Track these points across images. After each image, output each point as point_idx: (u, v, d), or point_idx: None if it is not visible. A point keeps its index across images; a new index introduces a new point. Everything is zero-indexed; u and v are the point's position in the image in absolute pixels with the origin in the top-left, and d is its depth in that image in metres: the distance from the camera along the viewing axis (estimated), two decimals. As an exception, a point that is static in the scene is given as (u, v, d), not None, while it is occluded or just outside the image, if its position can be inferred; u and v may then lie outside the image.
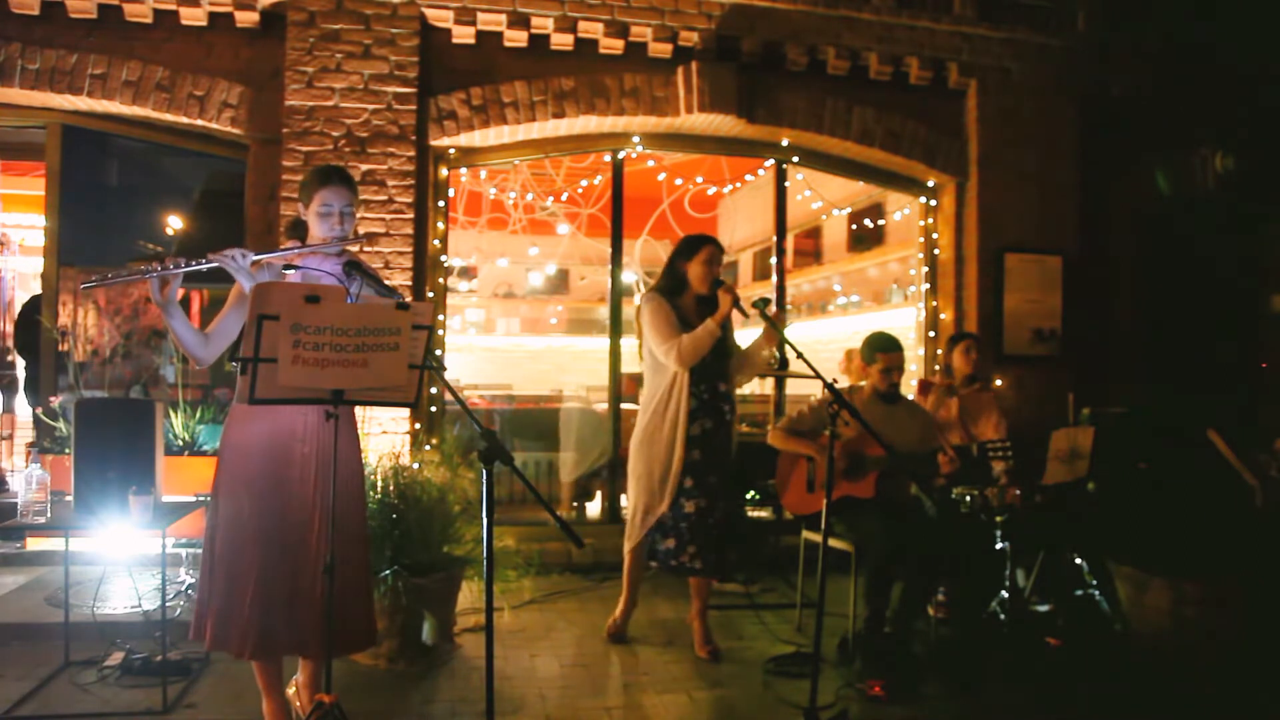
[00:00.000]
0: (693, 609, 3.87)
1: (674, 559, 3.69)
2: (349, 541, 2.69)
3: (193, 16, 4.76)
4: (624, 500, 5.17)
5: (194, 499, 3.73)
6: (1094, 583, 4.21)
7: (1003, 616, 3.96)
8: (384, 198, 4.84)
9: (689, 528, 3.67)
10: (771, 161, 5.90)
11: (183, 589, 4.09)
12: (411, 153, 4.87)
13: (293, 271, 2.70)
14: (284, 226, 2.83)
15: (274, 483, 2.60)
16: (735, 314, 3.68)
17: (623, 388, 5.59)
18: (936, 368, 5.77)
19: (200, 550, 2.74)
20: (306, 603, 2.56)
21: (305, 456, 2.62)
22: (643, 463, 3.71)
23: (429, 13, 4.92)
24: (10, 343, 5.87)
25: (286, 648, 2.66)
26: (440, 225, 5.19)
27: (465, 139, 5.11)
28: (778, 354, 4.97)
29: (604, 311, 6.67)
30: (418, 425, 4.84)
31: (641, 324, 3.73)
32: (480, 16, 4.96)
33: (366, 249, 4.79)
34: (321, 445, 2.62)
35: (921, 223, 6.06)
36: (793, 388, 6.09)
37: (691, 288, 3.74)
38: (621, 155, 5.64)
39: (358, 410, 4.32)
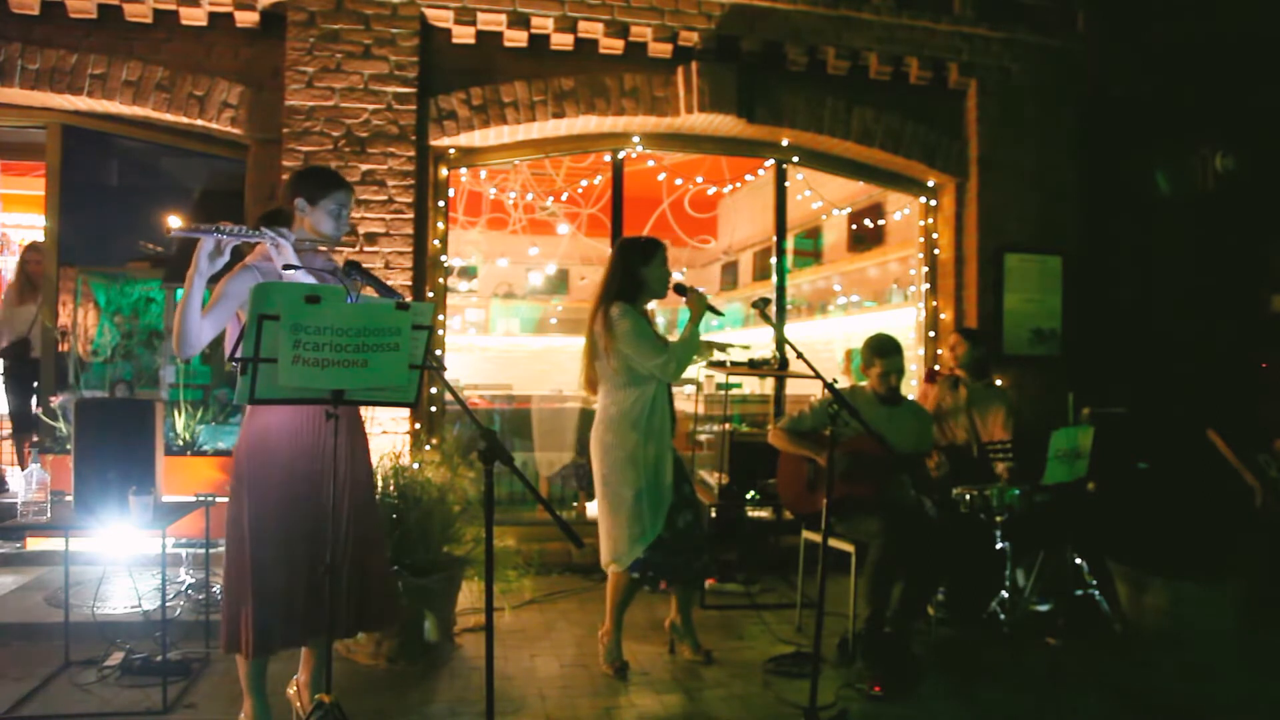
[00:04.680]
0: (672, 613, 3.82)
1: (678, 579, 3.61)
2: (371, 530, 2.78)
3: (192, 16, 4.76)
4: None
5: (194, 499, 3.73)
6: (1094, 583, 4.21)
7: (1003, 616, 3.96)
8: (384, 198, 4.84)
9: (680, 544, 3.55)
10: (771, 161, 5.90)
11: (183, 589, 4.09)
12: (411, 153, 4.87)
13: (292, 271, 2.69)
14: (257, 216, 2.79)
15: (303, 478, 2.62)
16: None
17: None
18: (937, 367, 5.77)
19: (199, 551, 2.73)
20: (330, 592, 2.59)
21: (329, 449, 2.63)
22: (628, 486, 3.46)
23: (429, 13, 4.92)
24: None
25: (306, 637, 2.70)
26: (440, 225, 5.19)
27: (465, 139, 5.11)
28: (778, 354, 4.97)
29: (604, 311, 6.64)
30: (418, 425, 4.84)
31: (616, 337, 3.45)
32: (480, 16, 4.96)
33: (366, 249, 4.79)
34: (347, 439, 2.65)
35: (921, 223, 6.06)
36: (793, 388, 6.09)
37: (649, 293, 3.58)
38: (621, 155, 5.64)
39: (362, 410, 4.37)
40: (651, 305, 3.71)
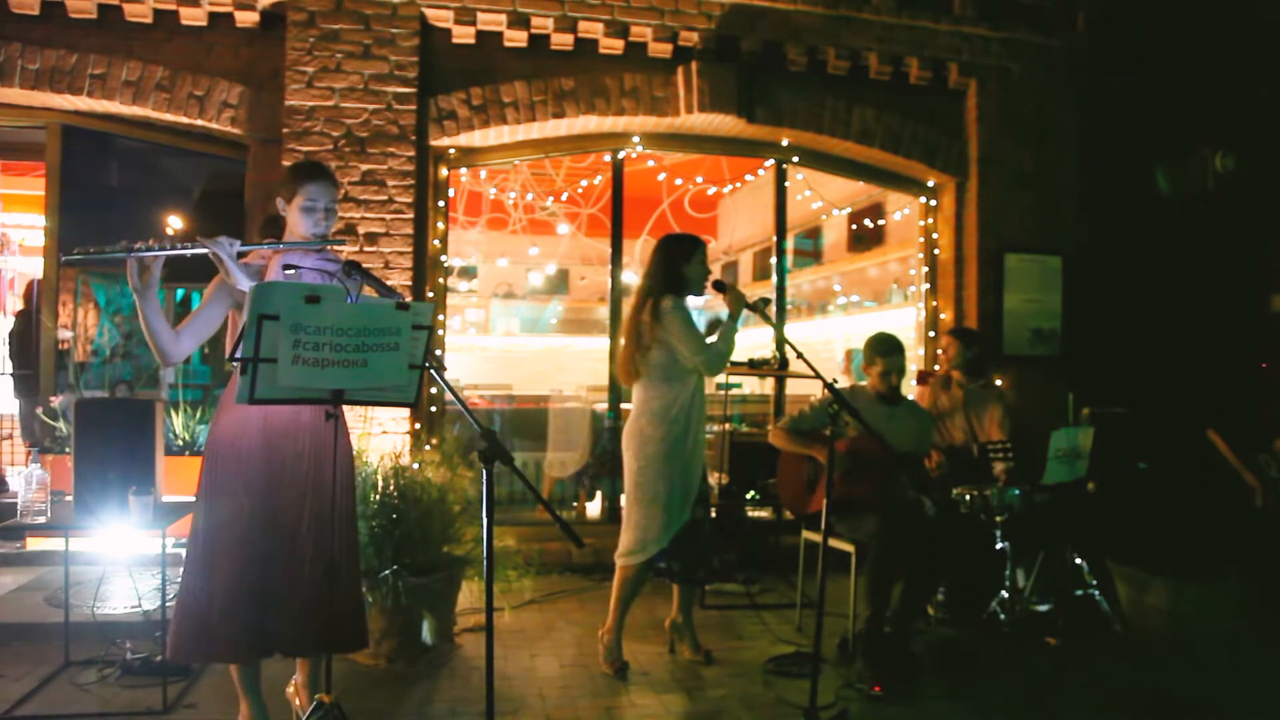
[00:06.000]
0: (674, 611, 3.83)
1: (678, 573, 3.65)
2: (345, 542, 2.69)
3: (193, 16, 4.76)
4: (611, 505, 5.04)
5: (194, 499, 3.72)
6: (1094, 583, 4.21)
7: (1003, 616, 3.96)
8: (384, 198, 4.84)
9: (690, 536, 3.61)
10: (771, 161, 5.90)
11: (183, 589, 4.09)
12: (411, 153, 4.87)
13: (292, 271, 2.69)
14: (259, 224, 2.78)
15: (269, 483, 2.58)
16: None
17: (622, 388, 5.58)
18: (936, 368, 5.78)
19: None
20: (300, 603, 2.55)
21: (297, 455, 2.61)
22: (664, 479, 3.52)
23: (429, 13, 4.92)
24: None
25: (281, 648, 2.66)
26: (440, 225, 5.19)
27: (465, 139, 5.11)
28: (778, 354, 4.97)
29: (604, 311, 6.68)
30: (418, 425, 4.84)
31: (666, 327, 3.50)
32: (480, 16, 4.96)
33: (366, 249, 4.79)
34: (316, 444, 2.61)
35: (921, 223, 6.06)
36: (793, 388, 6.09)
37: (690, 289, 3.64)
38: (621, 155, 5.64)
39: (358, 410, 4.37)
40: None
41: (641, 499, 3.55)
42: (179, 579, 4.05)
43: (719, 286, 3.59)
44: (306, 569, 2.55)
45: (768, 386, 6.14)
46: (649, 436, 3.55)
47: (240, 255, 2.57)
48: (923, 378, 5.02)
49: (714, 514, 4.89)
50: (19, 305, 5.98)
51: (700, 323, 3.62)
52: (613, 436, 5.54)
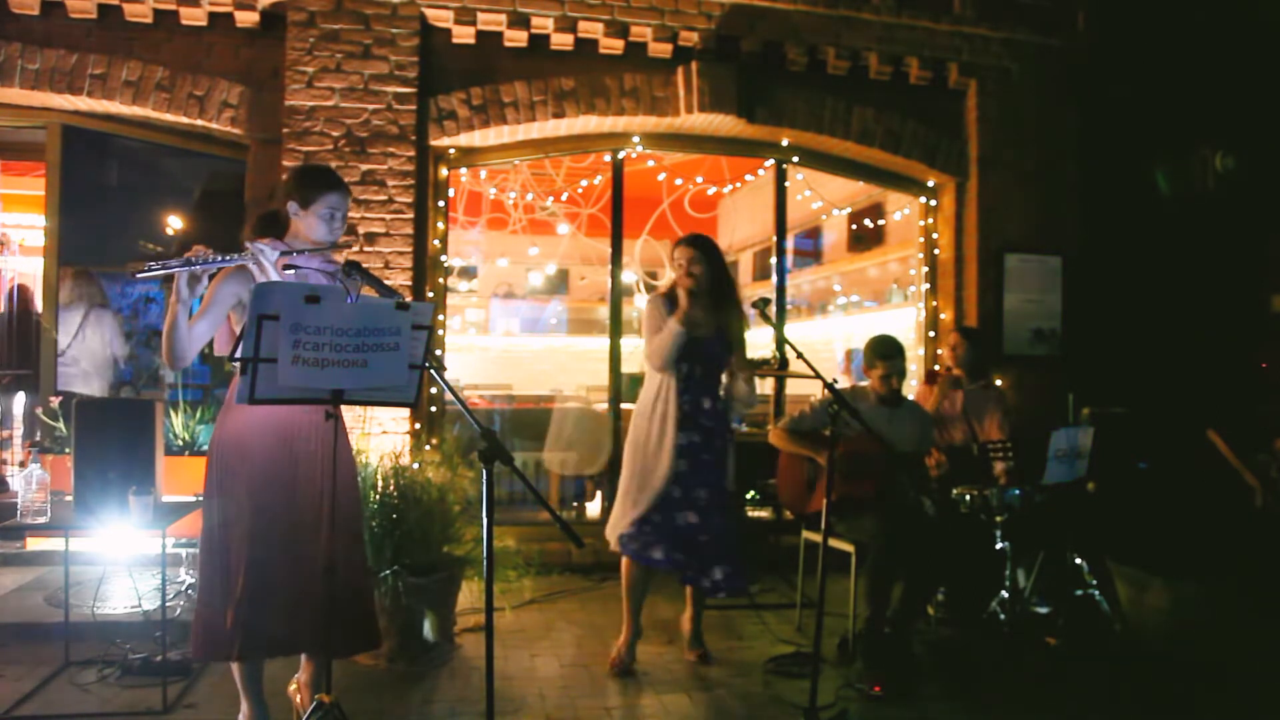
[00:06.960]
0: (686, 613, 3.83)
1: (668, 564, 3.63)
2: (351, 541, 2.69)
3: (193, 16, 4.76)
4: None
5: (194, 499, 3.73)
6: (1094, 583, 4.21)
7: (1003, 616, 3.96)
8: (384, 198, 4.84)
9: (680, 539, 3.58)
10: (771, 161, 5.89)
11: (183, 589, 4.09)
12: (411, 153, 4.87)
13: (292, 272, 2.69)
14: (254, 221, 2.77)
15: (279, 482, 2.58)
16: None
17: (623, 388, 5.58)
18: (937, 367, 5.77)
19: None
20: (312, 603, 2.56)
21: (310, 454, 2.62)
22: (635, 462, 3.65)
23: (429, 13, 4.92)
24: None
25: (290, 648, 2.66)
26: (440, 225, 5.19)
27: (465, 139, 5.11)
28: (778, 354, 4.97)
29: (604, 311, 6.68)
30: (418, 425, 4.84)
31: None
32: (480, 16, 4.96)
33: (366, 249, 4.79)
34: (323, 444, 2.61)
35: (921, 223, 6.05)
36: (793, 388, 6.09)
37: (678, 289, 3.65)
38: (621, 155, 5.64)
39: (358, 410, 4.37)
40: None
41: (621, 480, 3.73)
42: (179, 579, 4.12)
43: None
44: (324, 568, 2.55)
45: (767, 386, 6.13)
46: (632, 425, 3.74)
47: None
48: (931, 377, 5.01)
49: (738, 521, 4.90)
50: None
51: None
52: (614, 436, 5.54)
